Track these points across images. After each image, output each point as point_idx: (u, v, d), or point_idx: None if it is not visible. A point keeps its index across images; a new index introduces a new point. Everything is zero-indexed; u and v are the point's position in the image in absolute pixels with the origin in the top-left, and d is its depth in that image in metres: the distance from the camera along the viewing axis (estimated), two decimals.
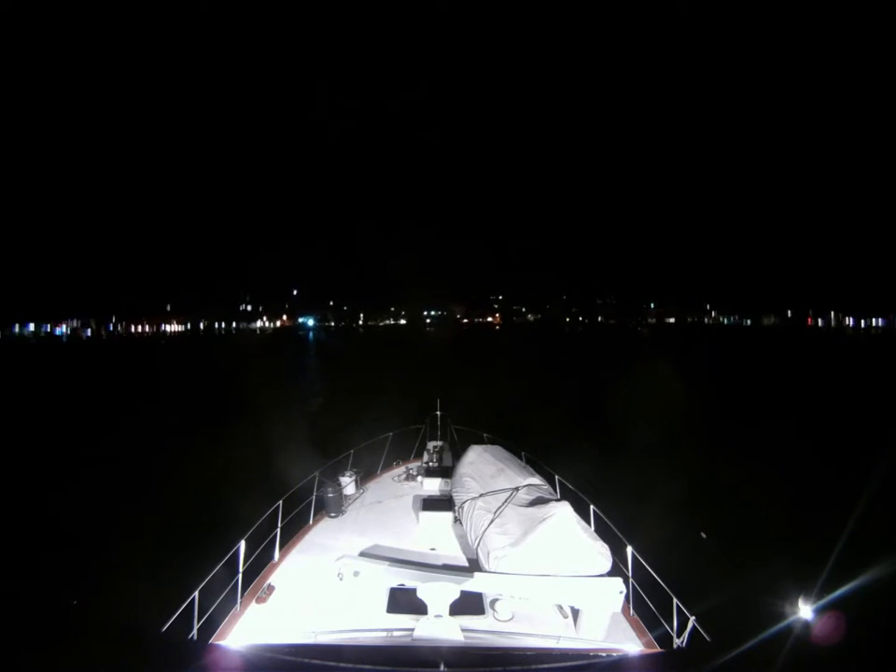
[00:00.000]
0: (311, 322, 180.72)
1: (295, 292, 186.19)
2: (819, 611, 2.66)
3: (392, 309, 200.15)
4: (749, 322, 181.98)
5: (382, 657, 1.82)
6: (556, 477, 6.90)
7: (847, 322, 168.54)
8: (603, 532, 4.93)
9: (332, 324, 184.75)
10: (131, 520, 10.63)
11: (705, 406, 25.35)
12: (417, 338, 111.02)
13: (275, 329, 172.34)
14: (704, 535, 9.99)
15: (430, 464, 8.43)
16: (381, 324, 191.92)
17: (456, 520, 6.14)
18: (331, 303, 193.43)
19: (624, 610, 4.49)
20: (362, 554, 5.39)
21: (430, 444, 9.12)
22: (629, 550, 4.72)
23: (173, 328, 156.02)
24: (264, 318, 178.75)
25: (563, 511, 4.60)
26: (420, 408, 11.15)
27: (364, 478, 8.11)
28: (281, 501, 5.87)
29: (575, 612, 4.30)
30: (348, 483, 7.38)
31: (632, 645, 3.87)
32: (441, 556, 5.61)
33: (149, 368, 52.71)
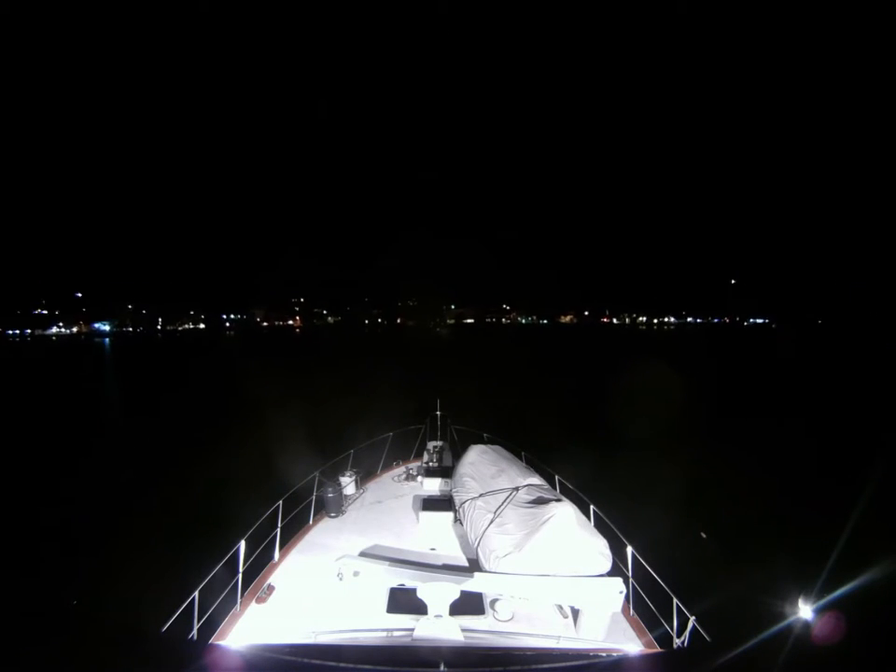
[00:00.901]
0: (107, 327, 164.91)
1: (79, 294, 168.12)
2: (818, 611, 2.66)
3: (192, 312, 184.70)
4: (545, 321, 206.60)
5: (382, 657, 1.82)
6: (556, 477, 6.89)
7: (641, 320, 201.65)
8: (603, 532, 4.92)
9: (130, 329, 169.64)
10: (131, 520, 10.64)
11: (705, 406, 25.37)
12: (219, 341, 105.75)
13: (71, 335, 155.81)
14: (704, 535, 9.99)
15: (430, 464, 8.43)
16: (180, 329, 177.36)
17: (456, 520, 6.14)
18: (130, 307, 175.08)
19: (624, 610, 4.49)
20: (362, 554, 5.39)
21: (430, 444, 9.11)
22: (629, 550, 4.72)
23: None
24: (60, 324, 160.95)
25: (563, 511, 4.59)
26: (420, 408, 11.14)
27: (364, 478, 8.11)
28: (281, 501, 5.87)
29: (575, 612, 4.30)
30: (348, 483, 7.38)
31: (632, 645, 3.86)
32: (441, 556, 5.61)
33: None
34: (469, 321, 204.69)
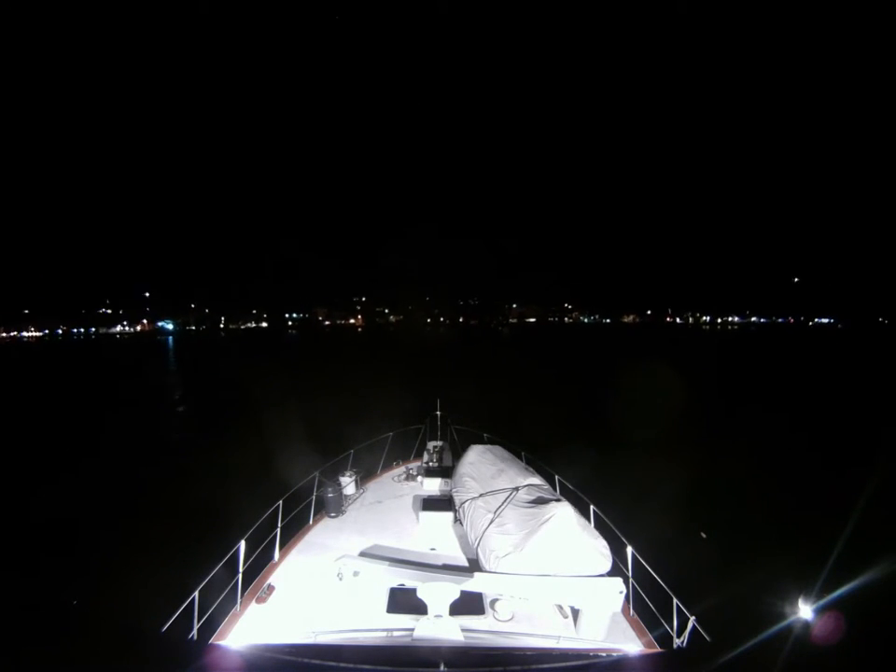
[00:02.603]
0: (170, 326, 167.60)
1: (147, 294, 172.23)
2: (818, 611, 2.66)
3: (254, 311, 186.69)
4: (608, 320, 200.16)
5: (382, 657, 1.82)
6: (556, 477, 6.89)
7: (705, 319, 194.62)
8: (603, 532, 4.92)
9: (193, 328, 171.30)
10: (131, 520, 10.64)
11: (704, 406, 25.37)
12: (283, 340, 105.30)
13: (135, 333, 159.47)
14: (704, 535, 9.99)
15: (430, 464, 8.43)
16: (242, 327, 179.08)
17: (456, 520, 6.14)
18: (192, 306, 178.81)
19: (624, 610, 4.49)
20: (362, 554, 5.39)
21: (430, 444, 9.11)
22: (629, 550, 4.71)
23: (30, 333, 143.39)
24: (124, 323, 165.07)
25: (563, 512, 4.60)
26: (420, 408, 11.15)
27: (364, 478, 8.11)
28: (281, 501, 5.87)
29: (575, 612, 4.30)
30: (348, 483, 7.38)
31: (632, 645, 3.86)
32: (441, 556, 5.61)
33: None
34: (532, 320, 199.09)
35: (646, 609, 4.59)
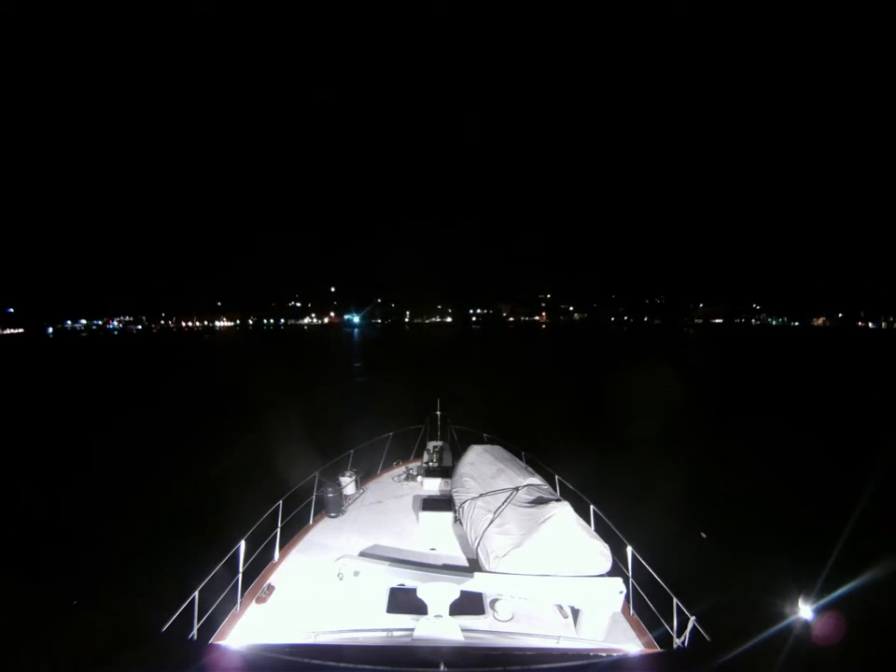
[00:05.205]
0: (356, 319, 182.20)
1: (333, 289, 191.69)
2: (818, 611, 2.66)
3: (438, 307, 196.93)
4: (797, 323, 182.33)
5: (382, 657, 1.82)
6: (556, 477, 6.90)
7: None
8: (603, 532, 4.92)
9: (378, 321, 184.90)
10: (131, 520, 10.63)
11: (705, 406, 25.37)
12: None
13: (322, 325, 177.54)
14: (704, 535, 9.98)
15: (430, 464, 8.42)
16: (427, 322, 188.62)
17: (456, 520, 6.14)
18: (378, 301, 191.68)
19: (624, 610, 4.49)
20: (362, 554, 5.39)
21: (430, 444, 9.11)
22: (629, 550, 4.71)
23: (223, 323, 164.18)
24: (312, 315, 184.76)
25: (563, 512, 4.60)
26: (420, 408, 11.14)
27: (364, 478, 8.11)
28: (281, 501, 5.87)
29: (575, 612, 4.30)
30: (348, 483, 7.38)
31: (632, 645, 3.86)
32: (441, 556, 5.61)
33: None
34: (718, 321, 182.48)
35: (646, 608, 4.59)
